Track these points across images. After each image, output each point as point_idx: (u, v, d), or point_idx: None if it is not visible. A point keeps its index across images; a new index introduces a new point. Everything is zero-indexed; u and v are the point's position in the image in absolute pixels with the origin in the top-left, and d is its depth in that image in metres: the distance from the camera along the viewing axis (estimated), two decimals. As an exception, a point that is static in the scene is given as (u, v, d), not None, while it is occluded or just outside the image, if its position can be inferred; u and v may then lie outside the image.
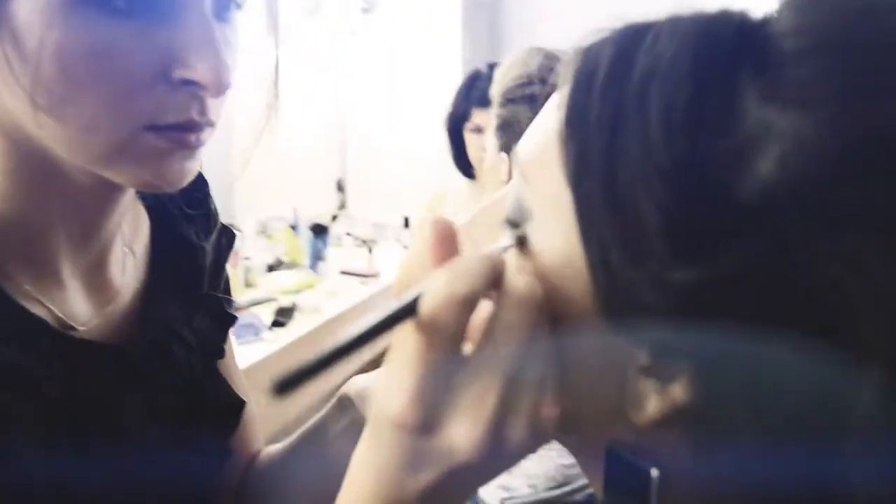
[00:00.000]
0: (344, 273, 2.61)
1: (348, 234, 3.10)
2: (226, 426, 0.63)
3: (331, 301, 2.27)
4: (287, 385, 0.30)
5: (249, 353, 1.82)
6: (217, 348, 0.63)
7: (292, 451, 0.70)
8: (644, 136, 0.28)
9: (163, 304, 0.57)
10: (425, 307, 0.30)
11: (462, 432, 0.30)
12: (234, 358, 0.69)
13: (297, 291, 2.33)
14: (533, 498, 1.37)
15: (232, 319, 0.66)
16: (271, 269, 2.56)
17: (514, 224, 0.35)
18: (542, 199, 0.33)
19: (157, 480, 0.51)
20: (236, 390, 0.65)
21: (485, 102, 1.75)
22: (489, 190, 1.81)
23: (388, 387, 0.31)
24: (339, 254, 2.84)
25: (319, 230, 2.59)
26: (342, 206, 3.48)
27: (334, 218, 3.26)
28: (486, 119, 1.74)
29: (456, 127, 1.89)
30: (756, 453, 0.28)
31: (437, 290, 0.29)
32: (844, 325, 0.25)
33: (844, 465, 0.26)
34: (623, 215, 0.28)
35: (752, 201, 0.26)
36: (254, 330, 1.92)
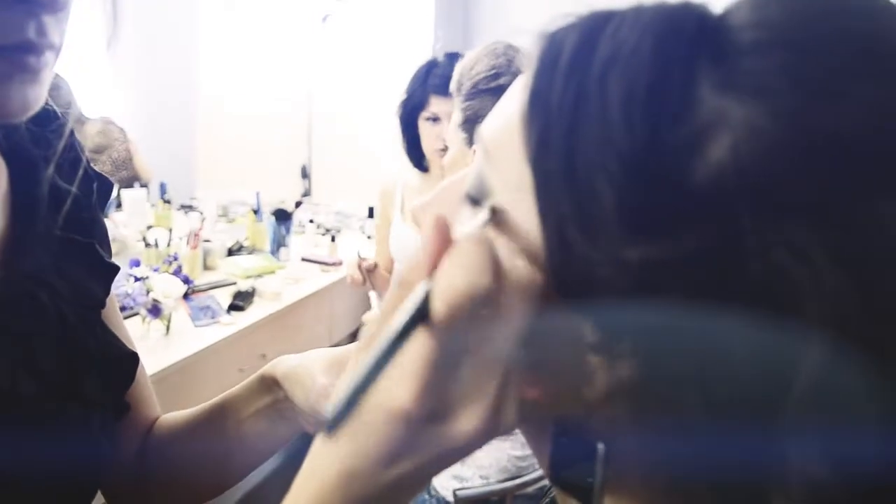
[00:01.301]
0: (305, 260, 2.60)
1: (311, 221, 3.08)
2: (115, 381, 0.60)
3: (291, 287, 2.26)
4: (339, 420, 0.29)
5: (206, 335, 1.80)
6: (95, 299, 0.60)
7: (200, 424, 0.68)
8: (604, 120, 0.28)
9: (27, 252, 0.53)
10: (441, 307, 0.29)
11: (465, 420, 0.30)
12: (117, 313, 0.66)
13: (258, 276, 2.31)
14: (485, 489, 1.38)
15: (112, 269, 0.62)
16: (231, 252, 2.53)
17: (475, 201, 0.35)
18: (504, 178, 0.33)
19: (37, 438, 0.49)
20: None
21: (443, 90, 1.68)
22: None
23: (389, 377, 0.30)
24: (301, 240, 2.82)
25: (282, 216, 2.57)
26: (306, 193, 3.45)
27: (298, 204, 3.23)
28: (444, 108, 1.72)
29: (411, 116, 1.82)
30: (700, 431, 0.29)
31: (452, 287, 0.29)
32: (788, 309, 0.26)
33: (784, 443, 0.27)
34: (581, 195, 0.29)
35: (704, 187, 0.27)
36: (211, 312, 1.90)
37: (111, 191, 0.65)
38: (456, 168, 1.22)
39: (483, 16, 3.35)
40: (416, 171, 1.89)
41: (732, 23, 0.29)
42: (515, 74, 1.15)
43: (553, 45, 0.31)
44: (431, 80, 1.76)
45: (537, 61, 0.32)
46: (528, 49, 0.33)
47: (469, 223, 0.32)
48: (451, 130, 1.27)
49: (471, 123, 1.21)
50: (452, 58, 1.77)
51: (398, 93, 1.84)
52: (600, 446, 0.31)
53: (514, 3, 3.10)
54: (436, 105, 1.76)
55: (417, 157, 1.85)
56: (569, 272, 0.30)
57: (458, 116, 1.21)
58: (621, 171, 0.28)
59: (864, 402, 0.26)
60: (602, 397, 0.30)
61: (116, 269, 0.63)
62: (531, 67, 0.32)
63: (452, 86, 1.22)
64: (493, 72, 1.14)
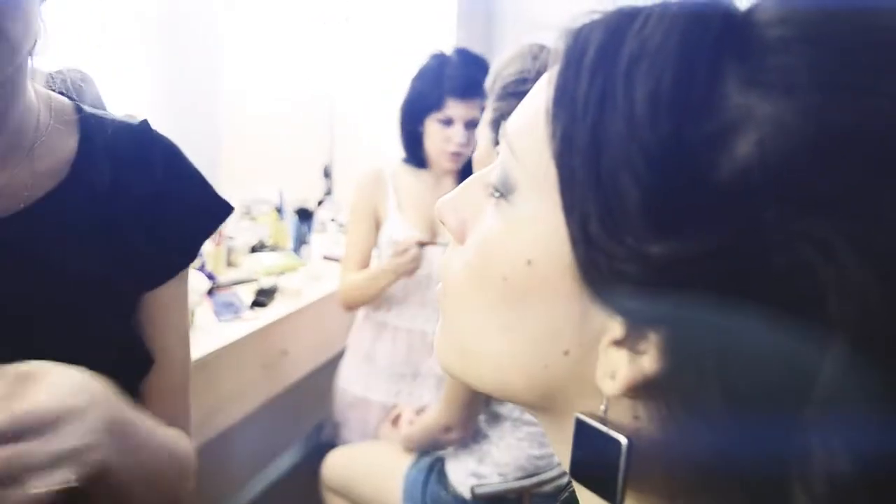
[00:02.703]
0: (327, 258, 2.62)
1: (333, 220, 3.11)
2: (116, 373, 0.62)
3: (312, 284, 2.28)
4: None
5: (229, 332, 1.82)
6: (108, 290, 0.63)
7: None
8: (629, 117, 0.29)
9: (51, 226, 0.58)
10: None
11: None
12: (167, 319, 0.69)
13: (280, 273, 2.33)
14: (503, 486, 1.39)
15: (152, 278, 0.66)
16: (254, 250, 2.56)
17: (500, 195, 0.36)
18: (529, 173, 0.34)
19: None
20: (161, 348, 0.66)
21: (460, 93, 1.66)
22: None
23: None
24: (322, 239, 2.85)
25: (304, 214, 2.59)
26: (328, 192, 3.48)
27: (320, 203, 3.26)
28: (459, 111, 1.67)
29: (420, 115, 1.72)
30: (722, 424, 0.29)
31: None
32: (811, 303, 0.26)
33: (806, 438, 0.27)
34: (605, 191, 0.29)
35: (730, 183, 0.27)
36: (234, 308, 1.92)
37: (223, 216, 0.71)
38: (483, 166, 1.22)
39: (506, 16, 3.35)
40: (406, 165, 1.81)
41: (758, 19, 0.29)
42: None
43: (579, 42, 0.32)
44: (447, 81, 1.68)
45: (563, 57, 0.32)
46: (554, 45, 0.33)
47: None
48: (480, 128, 1.27)
49: (497, 124, 1.21)
50: (463, 55, 1.72)
51: (404, 88, 1.76)
52: (623, 440, 0.31)
53: (538, 3, 3.10)
54: (452, 108, 1.68)
55: (417, 153, 1.78)
56: (594, 267, 0.31)
57: (487, 115, 1.21)
58: (646, 168, 0.28)
59: (885, 398, 0.26)
60: (625, 391, 0.31)
61: (160, 275, 0.67)
62: (556, 63, 0.33)
63: (487, 84, 1.22)
64: (521, 76, 1.14)
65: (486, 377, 0.37)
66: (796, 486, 0.28)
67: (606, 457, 0.32)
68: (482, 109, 1.68)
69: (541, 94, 0.34)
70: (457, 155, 1.71)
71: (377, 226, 1.81)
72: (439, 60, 1.73)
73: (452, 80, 1.68)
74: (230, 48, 3.35)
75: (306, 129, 3.43)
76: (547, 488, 1.39)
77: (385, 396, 1.84)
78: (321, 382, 2.02)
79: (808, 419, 0.27)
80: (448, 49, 1.76)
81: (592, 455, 0.33)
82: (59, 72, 2.73)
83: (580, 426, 0.33)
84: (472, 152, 1.68)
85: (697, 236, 0.27)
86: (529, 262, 0.34)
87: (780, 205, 0.26)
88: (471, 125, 1.68)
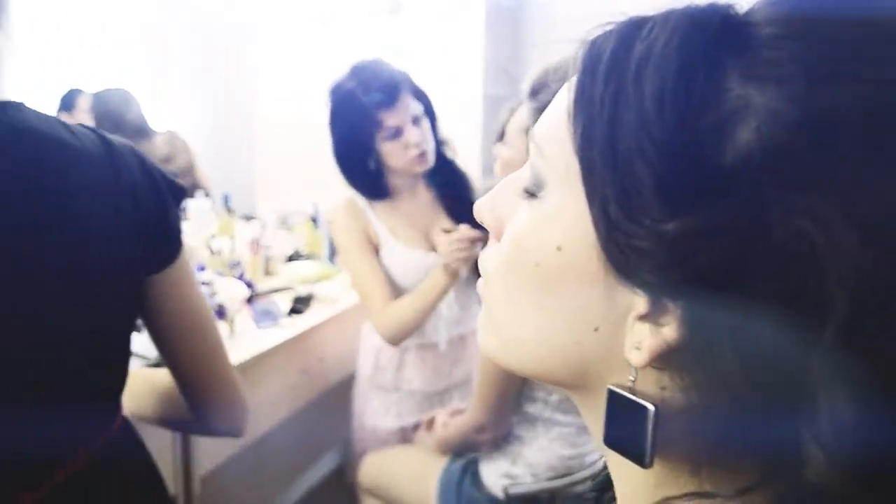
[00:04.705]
0: (361, 267, 2.66)
1: (366, 229, 3.16)
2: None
3: (347, 292, 2.32)
4: None
5: (267, 338, 1.88)
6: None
7: None
8: (640, 112, 0.32)
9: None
10: None
11: None
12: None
13: (316, 281, 2.39)
14: (535, 487, 1.40)
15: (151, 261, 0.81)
16: (291, 259, 2.62)
17: (532, 193, 0.40)
18: (555, 169, 0.38)
19: None
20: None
21: (389, 103, 1.60)
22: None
23: None
24: (356, 248, 2.89)
25: (339, 224, 2.64)
26: (362, 202, 3.53)
27: (353, 213, 3.31)
28: (397, 117, 1.62)
29: (368, 141, 1.65)
30: (740, 392, 0.32)
31: None
32: (810, 272, 0.29)
33: (814, 396, 0.29)
34: (622, 177, 0.33)
35: (732, 165, 0.30)
36: (272, 316, 1.97)
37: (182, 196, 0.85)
38: (511, 170, 1.25)
39: (533, 15, 3.37)
40: (369, 200, 1.74)
41: (754, 20, 0.33)
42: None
43: (594, 51, 0.36)
44: (372, 99, 1.61)
45: (581, 65, 0.36)
46: (573, 56, 0.37)
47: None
48: (514, 133, 1.29)
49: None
50: (366, 70, 1.66)
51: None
52: (650, 407, 0.34)
53: (564, 5, 3.12)
54: (390, 119, 1.62)
55: (377, 184, 1.72)
56: (616, 247, 0.34)
57: (523, 121, 1.24)
58: (657, 155, 0.32)
59: (881, 353, 0.29)
60: (650, 361, 0.34)
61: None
62: (576, 70, 0.37)
63: (533, 88, 1.24)
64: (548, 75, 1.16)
65: (524, 359, 0.41)
66: (810, 443, 0.30)
67: (636, 424, 0.35)
68: (415, 99, 1.65)
69: (563, 99, 0.38)
70: (423, 154, 1.66)
71: (377, 253, 1.75)
72: (346, 88, 1.66)
73: (376, 94, 1.61)
74: (266, 59, 3.44)
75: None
76: (578, 489, 1.40)
77: (419, 417, 1.80)
78: (357, 388, 2.06)
79: (812, 380, 0.29)
80: (342, 74, 1.69)
81: (623, 423, 0.36)
82: (106, 91, 2.84)
83: (612, 396, 0.36)
84: (429, 145, 1.65)
85: (706, 214, 0.31)
86: (559, 249, 0.37)
87: (778, 183, 0.30)
88: (416, 120, 1.65)
